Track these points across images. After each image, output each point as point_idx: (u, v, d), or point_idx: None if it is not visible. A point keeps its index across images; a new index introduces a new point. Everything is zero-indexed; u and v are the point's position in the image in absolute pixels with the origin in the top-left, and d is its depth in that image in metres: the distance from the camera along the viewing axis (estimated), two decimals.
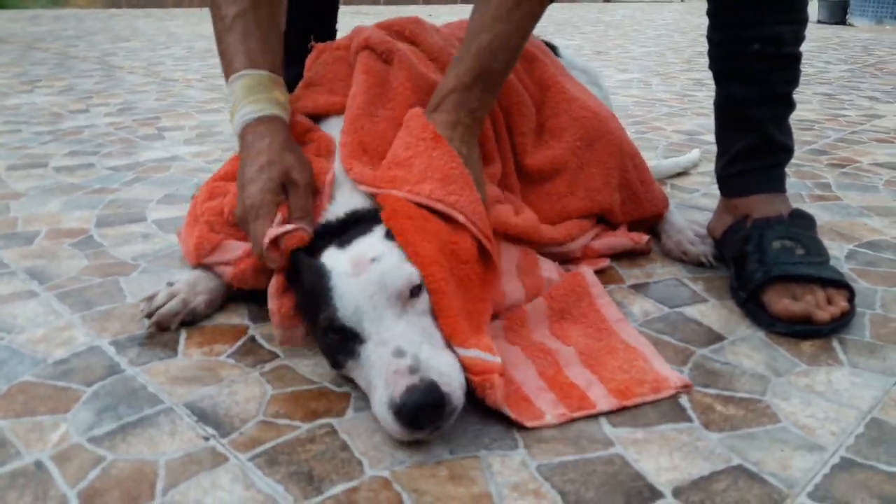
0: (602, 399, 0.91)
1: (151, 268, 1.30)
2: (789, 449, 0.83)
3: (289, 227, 0.99)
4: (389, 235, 0.96)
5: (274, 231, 0.98)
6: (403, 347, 0.84)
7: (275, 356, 1.01)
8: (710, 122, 2.47)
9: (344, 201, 1.06)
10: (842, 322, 1.09)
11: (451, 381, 0.82)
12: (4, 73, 3.51)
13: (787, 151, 1.33)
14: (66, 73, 3.55)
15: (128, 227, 1.50)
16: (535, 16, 1.13)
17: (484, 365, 0.86)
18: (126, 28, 6.03)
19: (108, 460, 0.79)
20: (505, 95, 1.31)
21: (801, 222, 1.24)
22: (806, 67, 4.07)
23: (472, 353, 0.87)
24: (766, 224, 1.23)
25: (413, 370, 0.81)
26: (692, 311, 1.16)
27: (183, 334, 1.07)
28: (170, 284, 1.11)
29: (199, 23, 6.61)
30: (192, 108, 2.74)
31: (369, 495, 0.75)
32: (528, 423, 0.86)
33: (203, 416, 0.87)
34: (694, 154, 2.02)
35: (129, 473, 0.77)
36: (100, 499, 0.73)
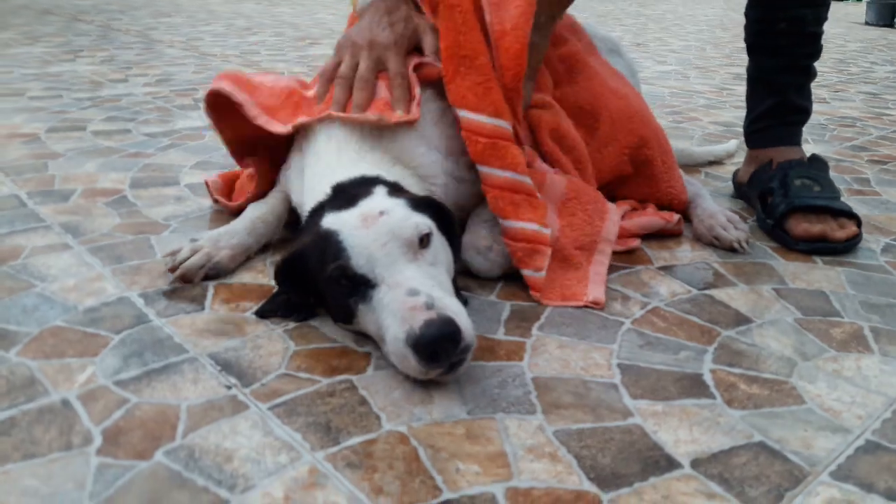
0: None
1: (182, 228, 1.31)
2: (813, 429, 0.82)
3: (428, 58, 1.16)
4: (392, 193, 0.99)
5: (415, 59, 1.14)
6: (417, 288, 0.85)
7: (299, 320, 1.02)
8: None
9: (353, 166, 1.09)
10: (853, 242, 1.33)
11: (465, 321, 0.85)
12: (48, 42, 3.58)
13: (804, 113, 1.57)
14: (107, 45, 3.60)
15: (161, 189, 1.52)
16: None
17: (536, 235, 1.09)
18: (168, 4, 6.09)
19: (132, 402, 0.80)
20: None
21: (819, 165, 1.47)
22: (850, 67, 3.99)
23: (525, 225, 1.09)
24: (789, 165, 1.45)
25: (429, 306, 0.83)
26: (720, 294, 1.15)
27: (210, 290, 1.08)
28: (193, 240, 1.13)
29: (239, 2, 6.66)
30: None
31: (386, 448, 0.75)
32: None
33: (226, 366, 0.88)
34: (731, 145, 1.99)
35: (152, 416, 0.78)
36: (123, 437, 0.75)
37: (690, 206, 1.42)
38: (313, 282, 0.96)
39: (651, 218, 1.35)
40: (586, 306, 1.07)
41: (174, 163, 1.71)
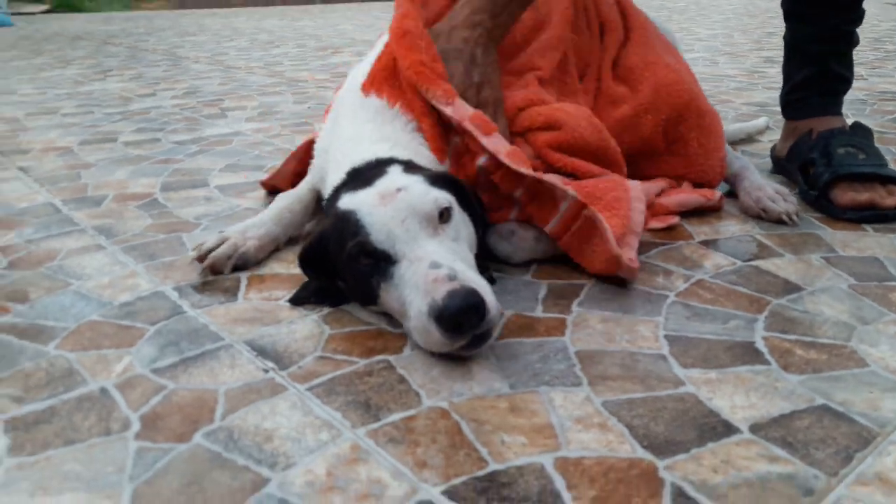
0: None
1: (213, 226, 1.31)
2: (878, 391, 0.78)
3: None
4: (408, 170, 0.97)
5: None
6: (439, 260, 0.83)
7: (332, 306, 1.00)
8: None
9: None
10: None
11: (488, 294, 0.82)
12: (80, 64, 3.64)
13: (844, 81, 1.49)
14: (136, 64, 3.66)
15: (191, 191, 1.52)
16: None
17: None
18: (193, 25, 6.19)
19: (169, 388, 0.79)
20: (605, 11, 1.39)
21: (862, 132, 1.40)
22: (886, 44, 3.89)
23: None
24: (830, 134, 1.39)
25: (452, 277, 0.80)
26: (767, 265, 1.11)
27: (243, 281, 1.07)
28: (221, 233, 1.12)
29: (262, 18, 6.75)
30: (254, 92, 2.78)
31: (427, 423, 0.73)
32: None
33: (262, 351, 0.87)
34: (761, 121, 1.95)
35: (190, 401, 0.77)
36: (161, 422, 0.73)
37: (736, 179, 1.38)
38: (335, 265, 0.95)
39: (689, 195, 1.31)
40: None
41: (203, 167, 1.71)
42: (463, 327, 0.79)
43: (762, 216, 1.29)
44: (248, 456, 0.68)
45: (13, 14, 6.85)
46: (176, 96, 2.69)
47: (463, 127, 1.04)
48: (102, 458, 0.68)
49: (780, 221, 1.27)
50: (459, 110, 1.05)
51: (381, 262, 0.87)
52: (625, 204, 1.11)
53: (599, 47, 1.38)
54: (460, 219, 0.95)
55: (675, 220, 1.26)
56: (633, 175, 1.25)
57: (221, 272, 1.08)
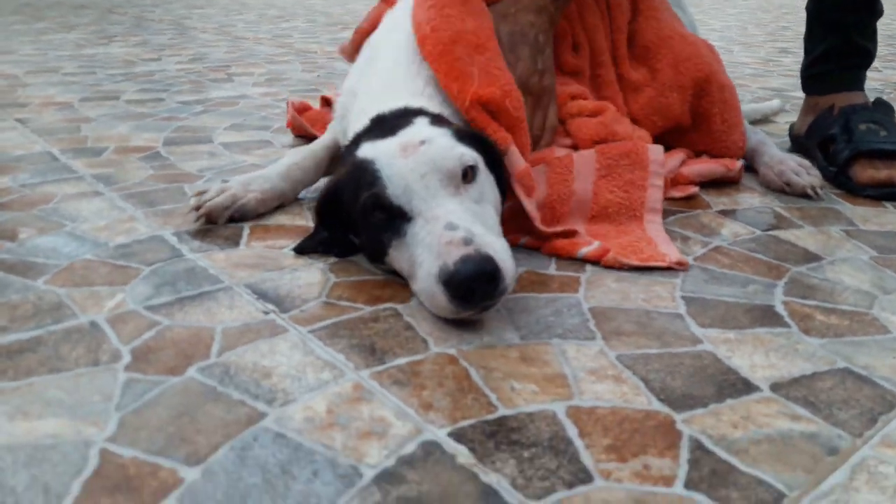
0: (587, 249, 0.94)
1: (217, 178, 1.27)
2: None
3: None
4: (434, 123, 0.91)
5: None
6: (456, 222, 0.78)
7: (339, 257, 0.96)
8: (797, 81, 2.34)
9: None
10: None
11: (506, 260, 0.76)
12: (83, 31, 3.59)
13: (866, 54, 1.45)
14: (141, 32, 3.61)
15: (195, 146, 1.48)
16: None
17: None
18: None
19: (163, 325, 0.76)
20: None
21: (884, 109, 1.37)
22: None
23: None
24: (852, 110, 1.36)
25: (467, 242, 0.75)
26: (786, 235, 1.07)
27: (246, 230, 1.03)
28: (224, 181, 1.08)
29: None
30: (262, 60, 2.74)
31: (434, 368, 0.69)
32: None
33: (263, 295, 0.83)
34: (775, 102, 1.93)
35: (185, 337, 0.73)
36: (153, 355, 0.70)
37: (755, 154, 1.34)
38: (350, 216, 0.90)
39: (710, 165, 1.28)
40: (670, 268, 0.93)
41: (208, 125, 1.67)
42: (474, 295, 0.73)
43: (785, 189, 1.25)
44: (245, 391, 0.64)
45: None
46: (181, 62, 2.65)
47: (511, 180, 0.97)
48: (89, 387, 0.64)
49: (804, 195, 1.23)
50: (512, 161, 0.97)
51: (395, 218, 0.82)
52: (640, 184, 1.07)
53: (609, 26, 1.33)
54: (486, 179, 0.89)
55: (694, 189, 1.22)
56: None
57: (216, 222, 1.04)
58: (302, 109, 1.55)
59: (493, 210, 0.88)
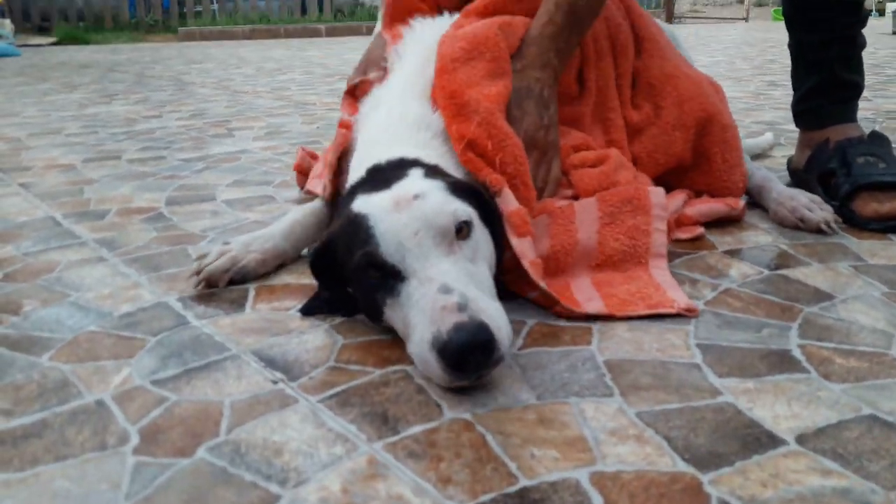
0: (592, 305, 0.92)
1: (220, 238, 1.26)
2: None
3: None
4: (429, 175, 0.90)
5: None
6: (450, 285, 0.75)
7: (345, 316, 0.95)
8: (789, 114, 2.35)
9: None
10: None
11: (501, 328, 0.74)
12: (86, 89, 3.64)
13: (854, 87, 1.45)
14: (141, 89, 3.65)
15: (197, 205, 1.48)
16: None
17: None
18: (199, 54, 6.22)
19: (171, 400, 0.74)
20: (614, 34, 1.33)
21: (880, 141, 1.36)
22: (886, 69, 3.91)
23: None
24: (848, 143, 1.35)
25: (462, 308, 0.72)
26: (795, 273, 1.06)
27: (251, 291, 1.02)
28: (226, 244, 1.08)
29: (268, 49, 6.78)
30: (261, 113, 2.76)
31: (450, 436, 0.67)
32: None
33: (271, 362, 0.82)
34: (767, 137, 1.93)
35: (193, 413, 0.72)
36: (162, 435, 0.68)
37: (762, 191, 1.34)
38: (345, 271, 0.88)
39: (713, 205, 1.27)
40: (676, 315, 0.92)
41: (210, 182, 1.67)
42: (467, 365, 0.71)
43: (800, 226, 1.25)
44: (256, 471, 0.63)
45: (21, 46, 6.89)
46: (182, 118, 2.67)
47: (502, 220, 0.96)
48: (96, 474, 0.63)
49: (818, 231, 1.22)
50: (504, 204, 0.97)
51: (389, 277, 0.80)
52: (644, 229, 1.06)
53: (612, 64, 1.34)
54: (481, 235, 0.87)
55: (700, 230, 1.21)
56: None
57: (217, 286, 1.03)
58: (313, 156, 1.57)
59: (487, 268, 0.86)
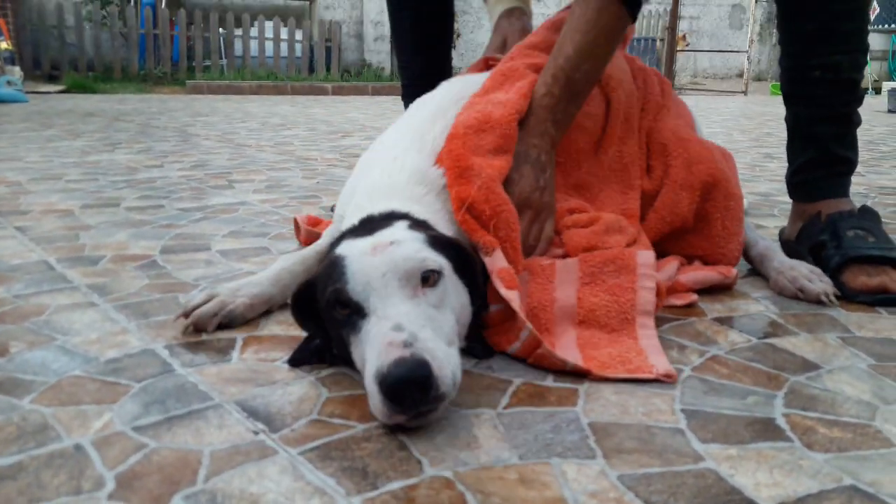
0: (570, 355, 0.93)
1: (211, 287, 1.27)
2: None
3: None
4: (412, 227, 0.95)
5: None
6: (403, 324, 0.79)
7: (333, 364, 0.95)
8: (783, 185, 2.40)
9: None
10: None
11: (444, 368, 0.76)
12: (89, 138, 3.69)
13: (847, 163, 1.47)
14: (145, 138, 3.71)
15: (192, 254, 1.49)
16: (613, 31, 1.22)
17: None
18: (205, 107, 6.33)
19: (150, 447, 0.74)
20: (627, 97, 1.39)
21: (870, 216, 1.39)
22: (881, 146, 3.97)
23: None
24: (839, 217, 1.38)
25: (407, 345, 0.75)
26: (783, 343, 1.06)
27: (239, 341, 1.02)
28: (212, 290, 1.09)
29: (274, 105, 6.90)
30: (263, 167, 2.80)
31: (430, 493, 0.67)
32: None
33: (253, 412, 0.82)
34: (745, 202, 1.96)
35: (172, 461, 0.71)
36: (138, 482, 0.67)
37: (763, 259, 1.37)
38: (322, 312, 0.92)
39: (707, 273, 1.28)
40: (657, 380, 0.92)
41: (206, 232, 1.69)
42: (404, 399, 0.74)
43: (799, 296, 1.26)
44: None
45: (29, 92, 7.02)
46: (183, 168, 2.70)
47: (491, 276, 1.00)
48: None
49: (817, 301, 1.24)
50: (494, 262, 1.01)
51: (353, 314, 0.85)
52: (628, 287, 1.07)
53: (636, 133, 1.39)
54: (451, 287, 0.90)
55: (694, 297, 1.22)
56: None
57: (205, 329, 1.04)
58: (314, 224, 1.58)
59: (451, 317, 0.89)
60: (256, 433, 0.77)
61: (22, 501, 0.64)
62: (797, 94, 1.48)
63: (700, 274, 1.27)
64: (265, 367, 0.94)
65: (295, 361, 0.94)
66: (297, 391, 0.87)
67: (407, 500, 0.66)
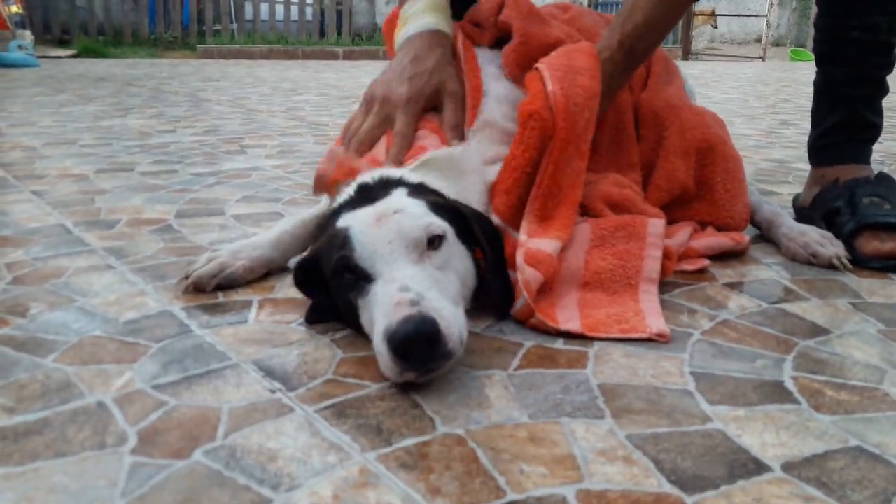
0: (570, 325, 0.95)
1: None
2: None
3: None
4: (412, 194, 0.96)
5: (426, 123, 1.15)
6: (410, 285, 0.81)
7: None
8: (799, 153, 2.38)
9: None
10: None
11: (451, 326, 0.78)
12: (101, 102, 3.69)
13: (874, 128, 1.48)
14: (157, 103, 3.71)
15: (206, 219, 1.50)
16: (682, 5, 1.22)
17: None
18: (216, 72, 6.31)
19: (170, 405, 0.76)
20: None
21: (886, 183, 1.39)
22: None
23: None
24: (856, 183, 1.38)
25: (414, 304, 0.77)
26: (793, 308, 1.07)
27: (255, 303, 1.04)
28: (214, 251, 1.12)
29: (286, 70, 6.87)
30: (275, 132, 2.80)
31: (442, 449, 0.68)
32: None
33: (270, 372, 0.84)
34: None
35: (191, 417, 0.73)
36: (160, 437, 0.70)
37: (772, 225, 1.37)
38: (327, 281, 0.93)
39: (719, 239, 1.28)
40: (650, 339, 0.94)
41: (220, 197, 1.70)
42: (412, 356, 0.76)
43: (812, 261, 1.26)
44: (250, 475, 0.64)
45: (41, 57, 7.00)
46: (196, 133, 2.71)
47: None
48: (94, 472, 0.64)
49: (830, 266, 1.24)
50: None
51: (360, 280, 0.86)
52: (636, 254, 1.08)
53: (630, 102, 1.38)
54: (455, 250, 0.92)
55: (706, 262, 1.22)
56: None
57: (205, 290, 1.06)
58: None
59: (456, 278, 0.90)
60: (273, 392, 0.79)
61: (48, 455, 0.66)
62: (832, 55, 1.47)
63: (712, 240, 1.27)
64: (281, 329, 0.96)
65: (310, 320, 0.96)
66: (313, 352, 0.89)
67: (420, 455, 0.67)
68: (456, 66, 1.27)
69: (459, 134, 1.17)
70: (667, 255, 1.10)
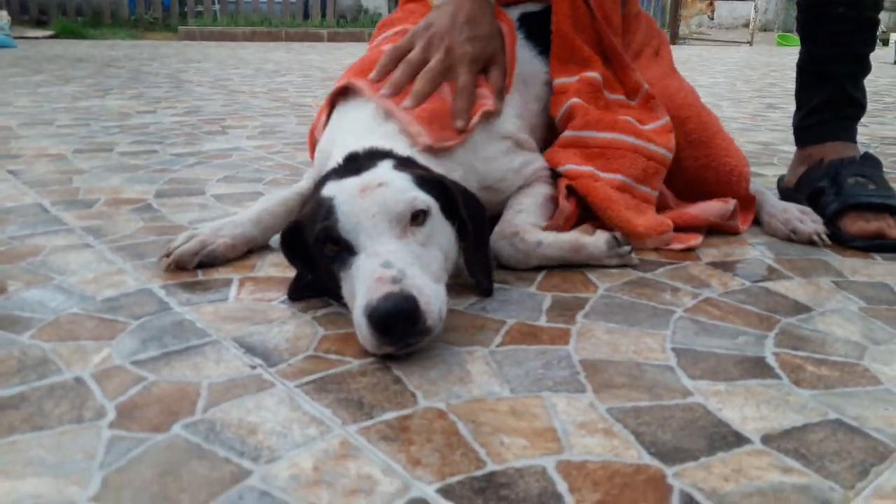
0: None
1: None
2: (893, 408, 0.74)
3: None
4: (399, 167, 0.95)
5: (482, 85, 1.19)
6: (392, 261, 0.81)
7: (329, 304, 0.96)
8: (785, 135, 2.39)
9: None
10: None
11: (431, 304, 0.79)
12: (80, 83, 3.64)
13: (859, 107, 1.49)
14: (137, 84, 3.66)
15: (186, 198, 1.49)
16: None
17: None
18: (198, 53, 6.23)
19: (149, 380, 0.75)
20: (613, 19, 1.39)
21: (872, 163, 1.39)
22: (885, 97, 3.94)
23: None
24: (840, 164, 1.38)
25: (395, 280, 0.78)
26: (776, 286, 1.08)
27: (235, 281, 1.03)
28: (195, 228, 1.11)
29: (269, 52, 6.80)
30: (257, 113, 2.77)
31: (423, 422, 0.68)
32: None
33: (251, 348, 0.83)
34: None
35: (170, 392, 0.73)
36: (138, 411, 0.69)
37: (755, 203, 1.37)
38: (310, 250, 0.93)
39: (714, 204, 1.29)
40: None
41: (200, 177, 1.68)
42: (392, 331, 0.77)
43: (792, 237, 1.28)
44: (230, 448, 0.63)
45: (18, 38, 6.88)
46: (176, 114, 2.68)
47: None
48: (72, 445, 0.63)
49: (810, 242, 1.26)
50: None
51: (343, 251, 0.86)
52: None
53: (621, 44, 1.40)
54: (439, 226, 0.92)
55: (694, 241, 1.23)
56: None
57: (186, 268, 1.05)
58: None
59: (439, 254, 0.90)
60: (254, 367, 0.78)
61: (25, 429, 0.66)
62: (817, 33, 1.48)
63: (706, 205, 1.29)
64: (261, 307, 0.95)
65: (292, 296, 0.96)
66: (294, 329, 0.88)
67: (401, 428, 0.67)
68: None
69: (501, 97, 1.21)
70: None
